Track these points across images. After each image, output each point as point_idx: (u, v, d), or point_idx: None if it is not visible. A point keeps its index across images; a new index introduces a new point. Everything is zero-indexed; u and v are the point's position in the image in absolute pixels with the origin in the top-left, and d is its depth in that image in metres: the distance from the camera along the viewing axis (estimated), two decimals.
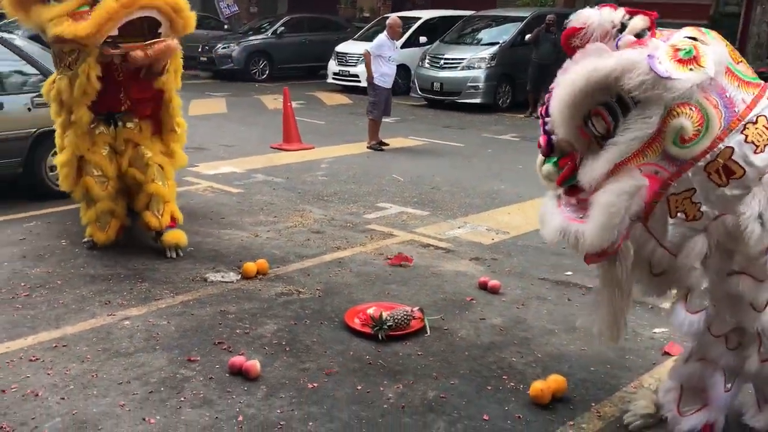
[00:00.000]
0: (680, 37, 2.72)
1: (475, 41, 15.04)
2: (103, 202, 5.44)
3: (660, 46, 2.64)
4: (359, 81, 16.04)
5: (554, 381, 3.55)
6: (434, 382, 3.68)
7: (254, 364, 3.68)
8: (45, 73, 6.63)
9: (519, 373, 3.80)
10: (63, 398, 3.41)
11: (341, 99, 15.36)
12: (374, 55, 9.79)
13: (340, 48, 16.71)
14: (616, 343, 3.23)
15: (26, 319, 4.25)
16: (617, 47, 2.70)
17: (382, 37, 9.94)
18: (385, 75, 9.86)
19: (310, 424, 3.28)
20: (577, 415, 3.42)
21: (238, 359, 3.72)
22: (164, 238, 5.35)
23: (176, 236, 5.38)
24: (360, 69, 16.08)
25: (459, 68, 14.17)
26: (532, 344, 4.14)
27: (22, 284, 4.77)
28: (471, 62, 14.16)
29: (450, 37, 15.34)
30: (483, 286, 4.94)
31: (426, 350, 4.03)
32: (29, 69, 6.69)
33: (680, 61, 2.58)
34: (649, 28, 2.72)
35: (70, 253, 5.41)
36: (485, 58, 14.14)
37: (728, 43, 2.82)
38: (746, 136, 2.63)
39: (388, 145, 10.12)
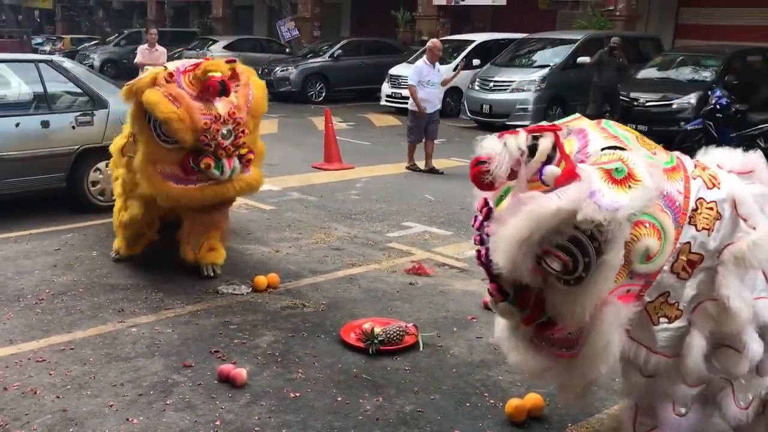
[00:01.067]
0: (596, 150, 2.59)
1: (526, 64, 15.02)
2: (137, 227, 5.58)
3: (592, 173, 2.48)
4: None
5: (531, 399, 3.56)
6: (414, 397, 3.73)
7: (240, 373, 3.81)
8: (89, 94, 7.06)
9: (502, 391, 3.81)
10: (58, 397, 3.63)
11: (391, 120, 15.54)
12: (416, 84, 9.75)
13: (394, 71, 16.93)
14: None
15: (42, 323, 4.52)
16: (542, 182, 2.49)
17: (420, 62, 9.98)
18: (423, 101, 9.81)
19: (283, 430, 3.38)
20: None
21: (226, 367, 3.87)
22: (201, 255, 5.41)
23: (214, 256, 5.43)
24: None
25: (508, 91, 14.17)
26: None
27: (47, 291, 5.07)
28: (520, 85, 14.13)
29: (501, 59, 15.37)
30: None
31: (414, 365, 4.09)
32: (75, 89, 7.10)
33: (616, 182, 2.47)
34: (555, 146, 2.51)
35: (97, 263, 5.71)
36: (535, 80, 14.09)
37: (633, 131, 2.79)
38: (695, 225, 2.67)
39: (418, 168, 10.06)
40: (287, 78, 18.50)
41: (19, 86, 7.17)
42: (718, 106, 11.13)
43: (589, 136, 2.64)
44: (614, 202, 2.40)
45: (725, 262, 2.64)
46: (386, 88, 16.95)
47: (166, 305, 4.89)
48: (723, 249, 2.67)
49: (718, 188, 2.74)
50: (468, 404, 3.67)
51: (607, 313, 2.59)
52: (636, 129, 9.99)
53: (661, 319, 2.72)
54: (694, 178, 2.74)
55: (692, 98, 12.19)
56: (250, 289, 5.19)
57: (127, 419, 3.44)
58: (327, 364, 4.08)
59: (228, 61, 5.19)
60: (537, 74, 14.22)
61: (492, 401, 3.69)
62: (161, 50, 12.55)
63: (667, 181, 2.65)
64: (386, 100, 16.95)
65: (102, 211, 7.10)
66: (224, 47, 21.61)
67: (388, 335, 4.26)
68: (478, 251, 2.71)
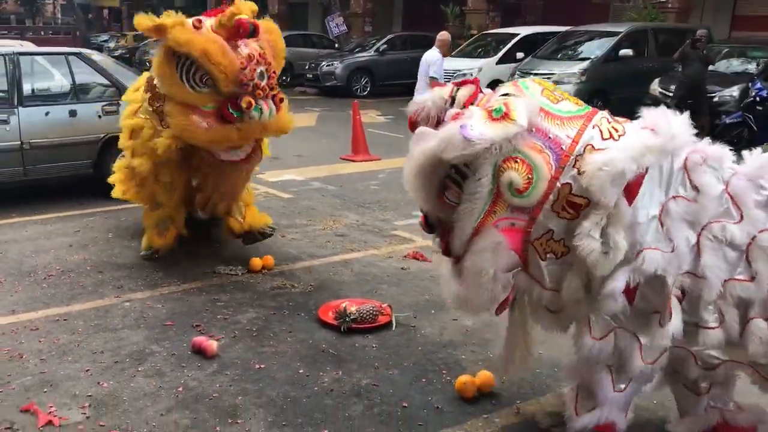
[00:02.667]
0: (496, 97, 2.92)
1: (568, 56, 14.85)
2: (165, 209, 5.66)
3: (475, 112, 2.84)
4: None
5: (482, 376, 3.64)
6: (373, 372, 3.86)
7: (211, 344, 4.02)
8: (116, 85, 7.41)
9: (461, 369, 3.90)
10: (41, 361, 3.91)
11: None
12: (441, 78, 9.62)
13: None
14: (504, 375, 3.53)
15: (45, 296, 4.84)
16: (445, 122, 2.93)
17: (438, 54, 9.80)
18: None
19: (239, 398, 3.57)
20: (496, 410, 3.50)
21: (199, 339, 4.08)
22: (250, 222, 5.62)
23: (261, 218, 5.74)
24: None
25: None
26: (490, 345, 4.21)
27: (57, 268, 5.40)
28: (560, 77, 13.95)
29: (543, 52, 15.24)
30: None
31: (383, 343, 4.22)
32: (101, 80, 7.47)
33: (494, 120, 2.77)
34: (472, 95, 2.96)
35: (111, 244, 6.03)
36: (575, 73, 13.93)
37: (548, 85, 2.98)
38: (578, 169, 2.75)
39: None
40: (333, 72, 18.77)
41: (49, 77, 7.58)
42: (758, 99, 10.82)
43: (499, 88, 3.02)
44: (480, 135, 2.71)
45: (602, 205, 2.72)
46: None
47: (163, 283, 5.15)
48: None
49: (614, 140, 2.78)
50: (424, 380, 3.78)
51: (477, 241, 2.84)
52: None
53: (548, 255, 2.87)
54: (593, 127, 2.82)
55: (734, 91, 11.85)
56: (246, 270, 5.39)
57: (98, 383, 3.69)
58: (299, 339, 4.25)
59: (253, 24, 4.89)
60: (577, 67, 14.05)
61: (448, 378, 3.79)
62: None
63: (559, 127, 2.81)
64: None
65: None
66: None
67: (362, 314, 4.40)
68: None
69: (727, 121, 11.12)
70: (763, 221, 2.79)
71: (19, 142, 6.84)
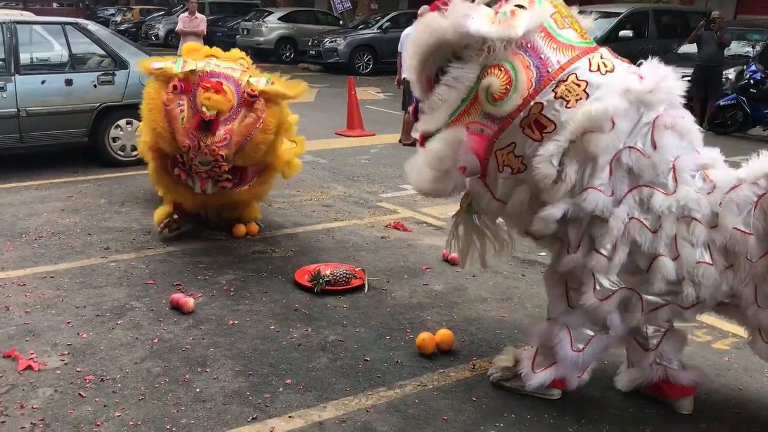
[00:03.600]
0: (509, 5, 3.01)
1: None
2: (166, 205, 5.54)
3: (483, 10, 3.02)
4: None
5: (441, 334, 3.82)
6: (341, 329, 4.05)
7: (187, 301, 4.21)
8: (111, 55, 7.58)
9: (425, 328, 4.07)
10: (26, 312, 4.12)
11: None
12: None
13: None
14: (462, 267, 3.82)
15: (35, 256, 5.04)
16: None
17: (411, 30, 9.67)
18: None
19: (211, 350, 3.77)
20: (453, 365, 3.68)
21: (177, 296, 4.27)
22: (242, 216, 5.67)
23: (253, 213, 5.74)
24: None
25: None
26: (456, 308, 4.40)
27: (48, 230, 5.61)
28: None
29: None
30: (445, 258, 5.21)
31: (353, 304, 4.40)
32: (97, 50, 7.64)
33: (497, 22, 2.93)
34: None
35: (102, 209, 6.22)
36: None
37: (562, 9, 3.04)
38: (555, 93, 2.86)
39: None
40: (335, 49, 18.85)
41: (46, 47, 7.74)
42: (752, 81, 10.89)
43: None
44: (477, 29, 2.88)
45: (567, 130, 2.87)
46: None
47: (149, 246, 5.34)
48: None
49: (601, 74, 2.88)
50: (388, 338, 3.97)
51: (446, 131, 3.05)
52: None
53: (505, 168, 3.02)
54: (585, 59, 2.91)
55: (731, 73, 11.90)
56: (230, 235, 5.57)
57: (78, 334, 3.89)
58: (273, 299, 4.44)
59: (250, 95, 4.84)
60: None
61: (411, 336, 3.97)
62: (201, 17, 12.98)
63: (553, 50, 2.92)
64: None
65: (121, 165, 7.68)
66: (279, 18, 22.10)
67: (335, 277, 4.58)
68: None
69: (722, 103, 11.21)
70: (690, 206, 2.89)
71: (16, 110, 7.02)
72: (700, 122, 11.32)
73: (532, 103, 2.89)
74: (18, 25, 7.21)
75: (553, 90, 2.88)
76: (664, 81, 2.89)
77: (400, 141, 9.75)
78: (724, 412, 3.34)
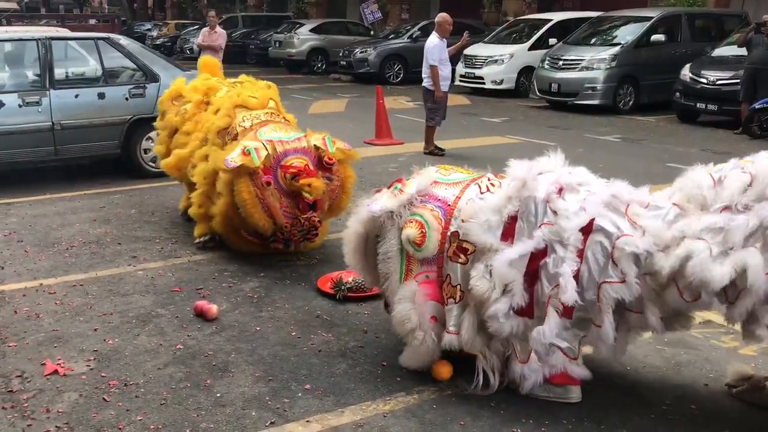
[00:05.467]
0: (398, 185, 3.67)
1: (599, 42, 14.76)
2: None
3: (384, 193, 3.67)
4: (484, 83, 16.37)
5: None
6: (362, 336, 4.08)
7: (211, 308, 4.28)
8: (142, 69, 7.75)
9: None
10: (55, 320, 4.23)
11: (460, 100, 15.69)
12: (439, 64, 9.39)
13: (468, 51, 17.03)
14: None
15: (66, 265, 5.18)
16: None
17: (436, 39, 9.42)
18: (444, 79, 9.53)
19: (232, 355, 3.82)
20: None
21: (201, 303, 4.34)
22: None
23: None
24: (485, 71, 16.42)
25: (577, 69, 14.00)
26: None
27: (80, 239, 5.75)
28: (590, 63, 13.94)
29: (574, 37, 15.17)
30: None
31: (375, 311, 4.42)
32: (129, 64, 7.82)
33: (394, 195, 3.57)
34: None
35: (132, 219, 6.36)
36: (605, 58, 13.86)
37: (444, 166, 3.78)
38: (462, 219, 3.33)
39: (444, 151, 9.85)
40: (366, 59, 18.97)
41: (79, 61, 7.95)
42: None
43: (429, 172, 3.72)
44: (380, 207, 3.52)
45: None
46: (460, 68, 17.04)
47: (176, 254, 5.44)
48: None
49: (491, 193, 3.38)
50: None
51: (398, 292, 3.47)
52: (705, 108, 9.96)
53: (449, 300, 3.36)
54: (475, 186, 3.45)
55: None
56: None
57: (104, 340, 3.98)
58: (296, 306, 4.48)
59: (328, 163, 5.15)
60: (607, 52, 13.98)
61: None
62: (220, 32, 12.78)
63: (446, 190, 3.49)
64: (460, 80, 17.06)
65: (152, 176, 7.83)
66: (310, 30, 22.33)
67: (357, 284, 4.61)
68: None
69: (756, 106, 11.00)
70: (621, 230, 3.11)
71: (51, 123, 7.23)
72: (742, 128, 11.20)
73: (449, 233, 3.34)
74: (53, 41, 7.41)
75: (458, 218, 3.34)
76: (528, 171, 3.31)
77: (424, 151, 9.77)
78: (751, 419, 3.27)
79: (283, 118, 5.63)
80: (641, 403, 3.36)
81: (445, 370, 3.58)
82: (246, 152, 4.81)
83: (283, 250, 5.30)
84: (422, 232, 3.37)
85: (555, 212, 3.16)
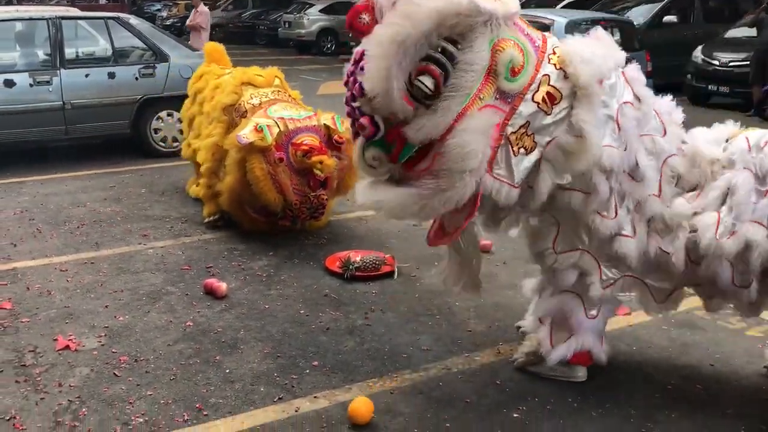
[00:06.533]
0: None
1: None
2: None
3: None
4: None
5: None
6: (369, 314, 4.11)
7: (221, 286, 4.32)
8: (152, 48, 7.76)
9: (452, 314, 4.11)
10: (67, 297, 4.28)
11: None
12: None
13: None
14: (475, 293, 3.56)
15: (77, 243, 5.22)
16: None
17: None
18: None
19: (241, 332, 3.86)
20: (479, 349, 3.70)
21: (210, 281, 4.38)
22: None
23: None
24: None
25: None
26: (485, 294, 4.35)
27: (90, 218, 5.80)
28: None
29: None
30: None
31: (382, 290, 4.45)
32: (138, 44, 7.83)
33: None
34: None
35: (143, 198, 6.40)
36: (617, 40, 13.68)
37: None
38: (554, 65, 2.86)
39: None
40: None
41: (89, 41, 7.96)
42: None
43: None
44: (484, 4, 2.73)
45: (579, 98, 2.84)
46: None
47: (186, 233, 5.48)
48: (574, 91, 2.85)
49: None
50: (416, 322, 4.01)
51: (467, 120, 2.72)
52: (717, 91, 9.71)
53: (521, 150, 2.87)
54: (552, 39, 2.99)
55: None
56: None
57: (115, 317, 4.03)
58: (304, 285, 4.52)
59: (338, 141, 5.13)
60: (619, 34, 13.82)
61: (440, 322, 4.00)
62: (202, 10, 11.90)
63: (527, 28, 2.94)
64: None
65: (162, 156, 7.86)
66: (320, 11, 22.20)
67: (365, 263, 4.64)
68: (351, 94, 2.82)
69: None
70: (677, 141, 3.11)
71: (61, 103, 7.25)
72: (754, 111, 11.12)
73: (539, 76, 2.84)
74: (63, 20, 7.42)
75: (549, 63, 2.87)
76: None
77: None
78: (756, 399, 3.29)
79: (289, 95, 5.64)
80: (647, 383, 3.38)
81: (364, 410, 3.03)
82: (258, 129, 4.85)
83: (290, 227, 5.33)
84: (522, 61, 2.80)
85: (638, 97, 3.02)
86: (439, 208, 2.83)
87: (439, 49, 2.73)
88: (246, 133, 4.85)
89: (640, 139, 3.01)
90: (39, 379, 3.36)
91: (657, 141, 3.05)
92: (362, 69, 2.72)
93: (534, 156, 2.90)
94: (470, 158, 2.74)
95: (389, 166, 2.92)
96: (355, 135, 2.98)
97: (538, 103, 2.85)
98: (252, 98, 5.39)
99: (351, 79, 2.83)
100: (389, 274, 4.67)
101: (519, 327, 3.76)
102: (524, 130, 2.88)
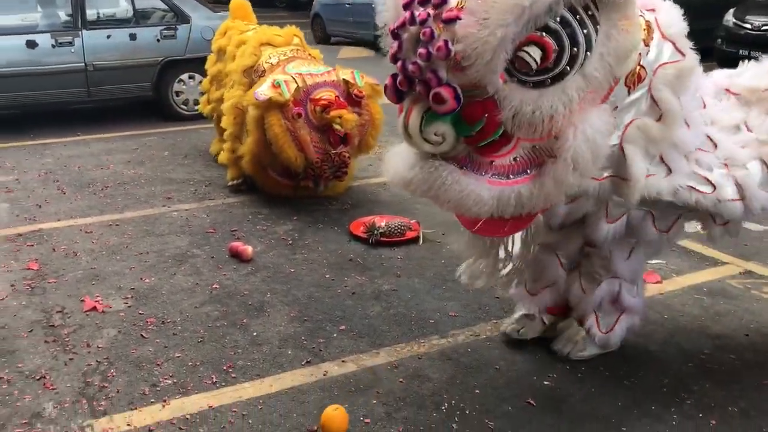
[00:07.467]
0: None
1: None
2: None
3: None
4: None
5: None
6: (395, 279, 4.07)
7: (246, 249, 4.30)
8: (174, 10, 7.67)
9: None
10: (93, 259, 4.28)
11: None
12: None
13: None
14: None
15: (101, 205, 5.22)
16: None
17: None
18: None
19: (268, 296, 3.85)
20: (506, 316, 3.63)
21: (236, 244, 4.36)
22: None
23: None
24: None
25: None
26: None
27: (114, 180, 5.79)
28: None
29: None
30: None
31: (408, 255, 4.40)
32: (160, 5, 7.74)
33: None
34: None
35: (165, 161, 6.38)
36: None
37: None
38: (643, 40, 2.54)
39: None
40: None
41: (111, 2, 7.89)
42: None
43: None
44: None
45: (659, 76, 2.58)
46: None
47: (210, 196, 5.45)
48: (657, 68, 2.58)
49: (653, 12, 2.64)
50: (443, 288, 3.96)
51: (596, 113, 2.37)
52: (748, 56, 9.48)
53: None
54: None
55: None
56: None
57: (141, 278, 4.02)
58: (329, 249, 4.48)
59: (358, 96, 5.05)
60: None
61: (466, 288, 3.94)
62: None
63: None
64: None
65: (184, 119, 7.82)
66: None
67: (390, 228, 4.59)
68: (426, 52, 2.18)
69: None
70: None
71: (83, 64, 7.21)
72: None
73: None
74: None
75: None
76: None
77: None
78: None
79: (309, 54, 5.55)
80: (679, 352, 3.33)
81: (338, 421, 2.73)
82: (276, 84, 4.79)
83: (312, 189, 5.28)
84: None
85: None
86: (538, 207, 2.50)
87: (558, 18, 2.21)
88: (263, 89, 4.80)
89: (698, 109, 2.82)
90: (67, 339, 3.37)
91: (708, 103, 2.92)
92: (449, 21, 2.15)
93: (614, 140, 2.57)
94: (590, 166, 2.40)
95: (459, 147, 2.36)
96: (398, 97, 2.36)
97: (630, 88, 2.56)
98: (270, 58, 5.32)
99: (427, 30, 2.18)
100: (414, 240, 4.62)
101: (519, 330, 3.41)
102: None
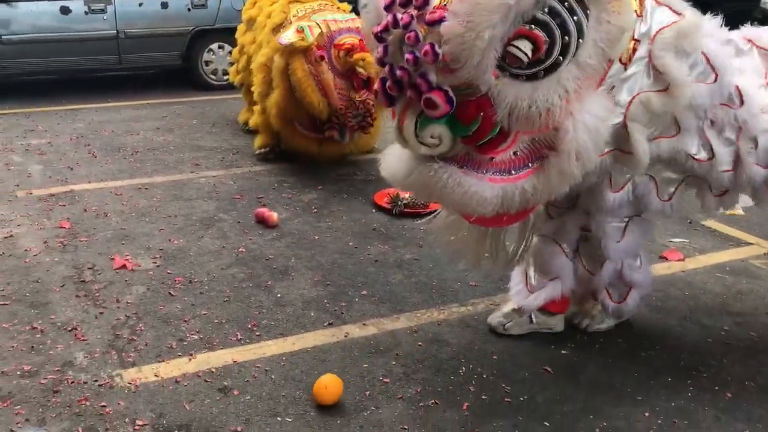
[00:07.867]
0: None
1: None
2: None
3: None
4: None
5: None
6: (417, 249, 4.12)
7: (272, 215, 4.37)
8: None
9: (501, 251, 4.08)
10: (123, 220, 4.38)
11: None
12: None
13: None
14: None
15: (131, 169, 5.33)
16: None
17: None
18: None
19: (292, 260, 3.92)
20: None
21: (262, 210, 4.43)
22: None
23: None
24: None
25: None
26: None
27: (144, 146, 5.89)
28: None
29: None
30: None
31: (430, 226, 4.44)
32: None
33: None
34: None
35: (194, 129, 6.47)
36: None
37: None
38: (636, 11, 2.50)
39: None
40: None
41: None
42: None
43: None
44: None
45: (658, 42, 2.49)
46: None
47: (237, 164, 5.53)
48: (654, 35, 2.50)
49: None
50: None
51: (595, 99, 2.34)
52: None
53: None
54: None
55: None
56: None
57: (169, 240, 4.11)
58: (353, 218, 4.54)
59: None
60: None
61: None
62: None
63: None
64: None
65: (213, 88, 7.90)
66: None
67: (413, 200, 4.63)
68: (413, 57, 2.16)
69: None
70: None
71: (115, 32, 7.30)
72: None
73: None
74: None
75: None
76: None
77: None
78: None
79: (337, 7, 5.49)
80: (699, 328, 3.35)
81: (328, 392, 2.71)
82: (299, 29, 4.83)
83: (338, 144, 5.28)
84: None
85: None
86: (542, 200, 2.51)
87: (546, 9, 2.16)
88: (287, 35, 4.85)
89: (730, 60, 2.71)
90: (98, 294, 3.47)
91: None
92: (433, 23, 2.13)
93: (615, 119, 2.51)
94: (591, 157, 2.37)
95: (458, 147, 2.33)
96: (389, 101, 2.33)
97: (625, 65, 2.49)
98: (298, 12, 5.31)
99: (411, 34, 2.16)
100: (437, 212, 4.65)
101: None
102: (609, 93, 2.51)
